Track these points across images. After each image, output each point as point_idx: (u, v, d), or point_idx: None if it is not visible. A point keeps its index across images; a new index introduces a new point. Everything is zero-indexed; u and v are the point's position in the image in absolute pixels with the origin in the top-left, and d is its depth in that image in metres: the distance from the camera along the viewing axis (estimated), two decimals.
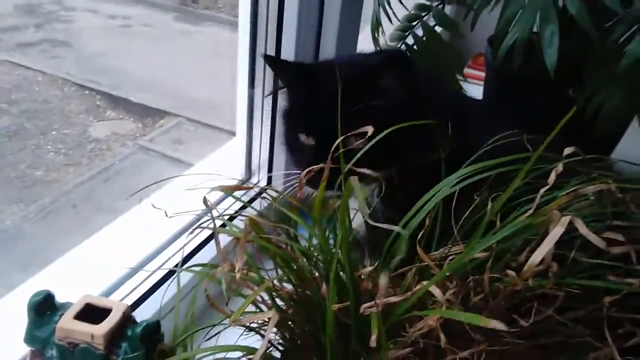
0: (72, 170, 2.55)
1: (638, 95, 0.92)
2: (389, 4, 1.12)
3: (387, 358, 0.56)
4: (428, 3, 1.27)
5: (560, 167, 0.55)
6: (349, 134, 0.73)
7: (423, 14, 1.26)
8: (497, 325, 0.45)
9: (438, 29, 1.31)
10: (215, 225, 0.65)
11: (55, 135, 2.77)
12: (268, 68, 1.08)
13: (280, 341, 0.67)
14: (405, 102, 0.82)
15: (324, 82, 0.87)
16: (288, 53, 1.09)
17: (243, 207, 0.83)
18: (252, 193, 1.01)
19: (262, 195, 0.74)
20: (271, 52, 1.08)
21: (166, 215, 0.66)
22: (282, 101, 0.99)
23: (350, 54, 1.10)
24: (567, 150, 0.56)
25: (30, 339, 0.61)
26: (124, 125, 3.06)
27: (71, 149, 2.69)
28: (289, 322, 0.65)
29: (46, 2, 4.16)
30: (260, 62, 1.09)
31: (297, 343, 0.66)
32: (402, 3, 1.25)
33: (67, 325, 0.58)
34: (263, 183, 1.19)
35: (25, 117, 2.83)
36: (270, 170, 1.18)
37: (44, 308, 0.61)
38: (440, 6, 1.23)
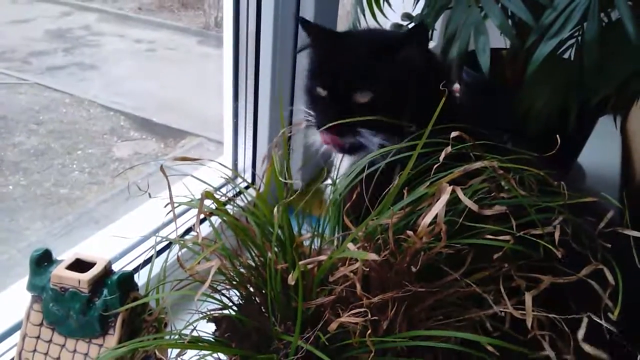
0: (95, 189, 2.59)
1: (559, 95, 1.04)
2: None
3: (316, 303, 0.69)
4: (402, 23, 1.40)
5: (449, 148, 0.68)
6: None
7: None
8: (372, 256, 0.58)
9: None
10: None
11: (80, 154, 2.82)
12: (250, 83, 1.22)
13: (240, 301, 0.80)
14: (420, 73, 0.95)
15: (347, 44, 1.01)
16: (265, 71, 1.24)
17: (229, 200, 0.96)
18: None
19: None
20: (251, 69, 1.22)
21: (149, 197, 0.80)
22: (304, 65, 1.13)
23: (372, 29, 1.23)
24: (454, 134, 0.68)
25: (31, 286, 0.75)
26: (146, 145, 3.12)
27: (95, 168, 2.73)
28: (247, 285, 0.79)
29: (75, 27, 4.30)
30: (242, 78, 1.22)
31: (254, 301, 0.79)
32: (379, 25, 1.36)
33: (60, 273, 0.73)
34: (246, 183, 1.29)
35: (53, 137, 2.90)
36: (253, 171, 1.32)
37: (42, 261, 0.75)
38: (409, 25, 1.35)
